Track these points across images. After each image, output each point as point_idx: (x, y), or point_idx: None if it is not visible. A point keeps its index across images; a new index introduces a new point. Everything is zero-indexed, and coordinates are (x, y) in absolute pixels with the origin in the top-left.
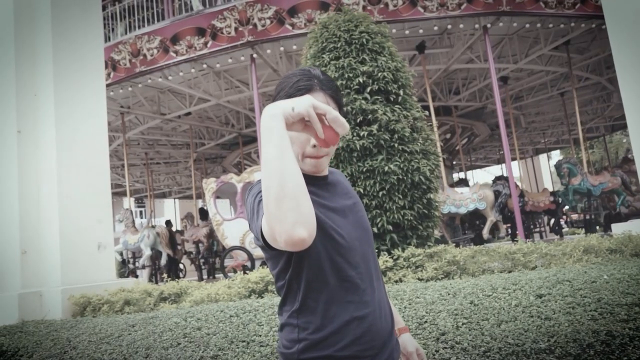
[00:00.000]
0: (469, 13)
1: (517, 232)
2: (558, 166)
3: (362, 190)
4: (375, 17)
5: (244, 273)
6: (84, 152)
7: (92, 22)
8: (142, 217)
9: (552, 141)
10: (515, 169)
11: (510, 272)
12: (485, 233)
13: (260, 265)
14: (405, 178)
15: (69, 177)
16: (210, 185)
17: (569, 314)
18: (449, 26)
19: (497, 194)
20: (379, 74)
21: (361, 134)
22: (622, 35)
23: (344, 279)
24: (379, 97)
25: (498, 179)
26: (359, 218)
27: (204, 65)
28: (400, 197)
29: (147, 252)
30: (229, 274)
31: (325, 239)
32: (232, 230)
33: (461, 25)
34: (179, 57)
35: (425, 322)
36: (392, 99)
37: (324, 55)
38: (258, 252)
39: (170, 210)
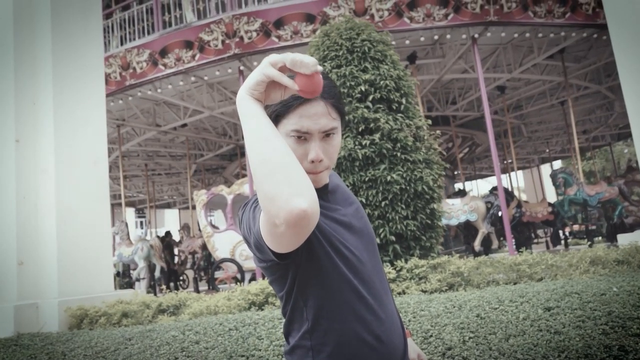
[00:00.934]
0: (456, 24)
1: (518, 243)
2: (553, 176)
3: (364, 200)
4: None
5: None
6: (83, 162)
7: (92, 28)
8: (142, 228)
9: (557, 150)
10: (516, 179)
11: (515, 283)
12: (477, 245)
13: (249, 281)
14: (408, 188)
15: (68, 188)
16: (200, 197)
17: (579, 327)
18: (436, 37)
19: (489, 205)
20: (381, 82)
21: (363, 143)
22: (625, 38)
23: (356, 296)
24: (381, 106)
25: (495, 189)
26: (363, 224)
27: (192, 78)
28: (403, 207)
29: (140, 265)
30: (219, 286)
31: (333, 252)
32: (223, 242)
33: (448, 36)
34: (167, 69)
35: (431, 336)
36: (394, 107)
37: (325, 64)
38: (248, 265)
39: (173, 221)
